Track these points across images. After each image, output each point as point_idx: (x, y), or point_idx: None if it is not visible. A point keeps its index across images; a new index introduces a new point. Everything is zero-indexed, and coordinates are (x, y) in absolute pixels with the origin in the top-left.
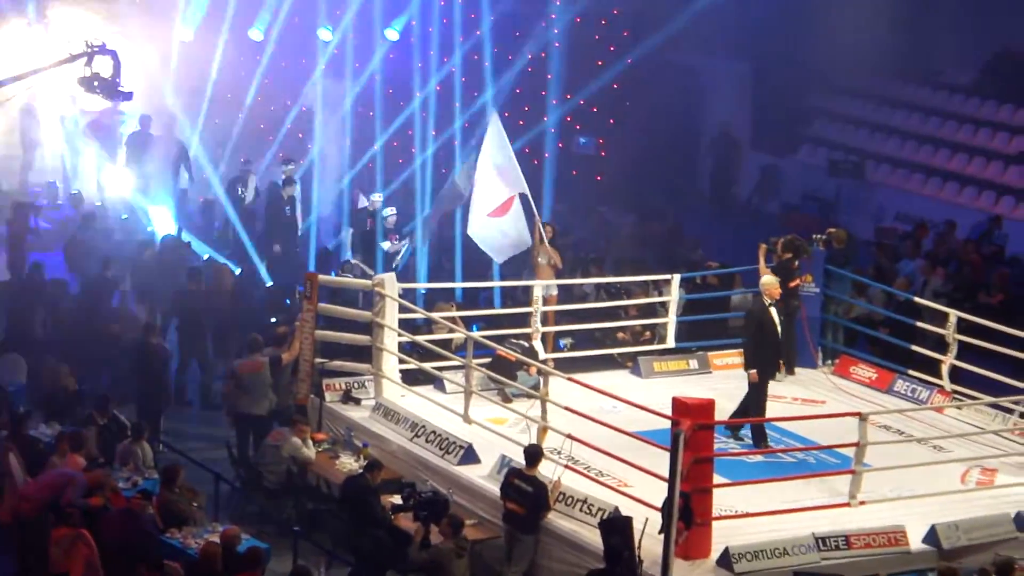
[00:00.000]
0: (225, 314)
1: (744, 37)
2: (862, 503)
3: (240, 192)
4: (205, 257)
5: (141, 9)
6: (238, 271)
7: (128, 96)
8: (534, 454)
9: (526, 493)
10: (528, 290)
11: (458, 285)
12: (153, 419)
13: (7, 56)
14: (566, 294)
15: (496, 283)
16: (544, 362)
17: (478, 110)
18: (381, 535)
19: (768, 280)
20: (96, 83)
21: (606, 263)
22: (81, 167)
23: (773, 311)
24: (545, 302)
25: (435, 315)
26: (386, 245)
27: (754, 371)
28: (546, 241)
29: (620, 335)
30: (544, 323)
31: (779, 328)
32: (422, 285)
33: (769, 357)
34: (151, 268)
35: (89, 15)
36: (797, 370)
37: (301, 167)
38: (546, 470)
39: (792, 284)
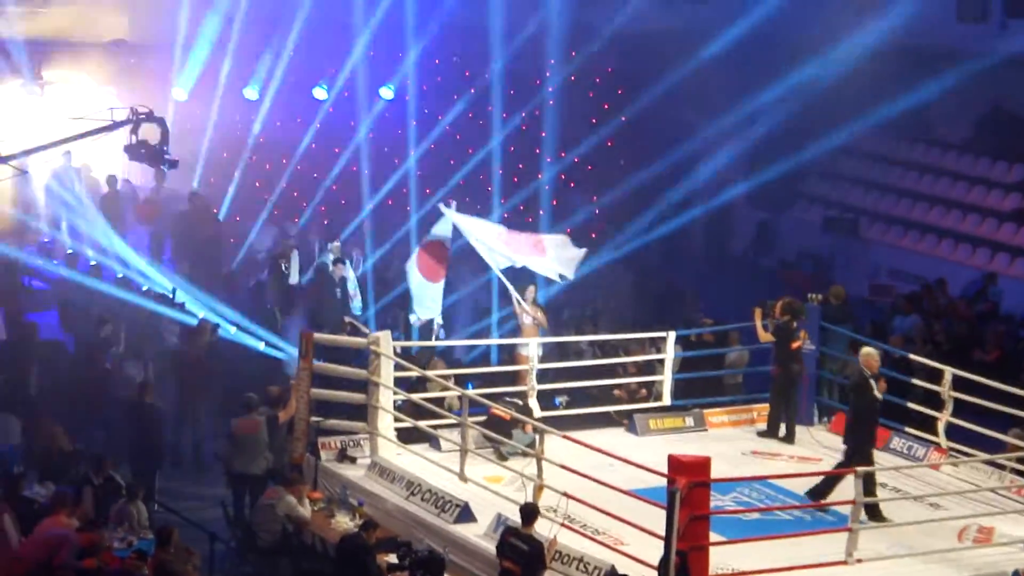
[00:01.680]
0: (206, 373)
1: (738, 95)
2: (859, 561)
3: (284, 268)
4: (200, 315)
5: (136, 70)
6: (233, 329)
7: (174, 164)
8: (530, 512)
9: (522, 551)
10: (512, 351)
11: (454, 343)
12: (148, 479)
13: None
14: (561, 351)
15: (493, 340)
16: (537, 420)
17: (473, 169)
18: None
19: (867, 351)
20: (143, 151)
21: (602, 320)
22: (82, 228)
23: (873, 383)
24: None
25: (430, 373)
26: (413, 318)
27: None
28: (523, 305)
29: (616, 392)
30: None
31: (878, 402)
32: (417, 343)
33: (867, 432)
34: (143, 328)
35: (83, 76)
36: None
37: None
38: (543, 528)
39: (794, 346)
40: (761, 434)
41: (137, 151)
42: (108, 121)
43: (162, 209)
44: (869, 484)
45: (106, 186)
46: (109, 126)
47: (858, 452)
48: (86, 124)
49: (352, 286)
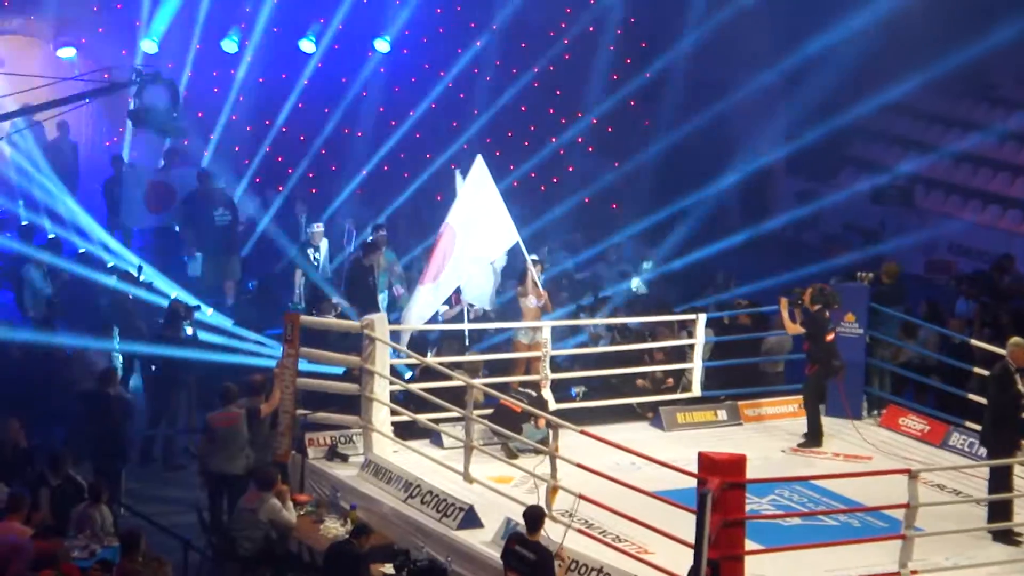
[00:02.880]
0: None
1: (776, 48)
2: (914, 573)
3: (312, 258)
4: (173, 295)
5: (100, 18)
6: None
7: (184, 133)
8: (535, 517)
9: (528, 561)
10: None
11: (459, 327)
12: (113, 479)
13: None
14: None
15: (502, 324)
16: (552, 413)
17: (479, 131)
18: None
19: (1018, 341)
20: (150, 117)
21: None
22: (40, 197)
23: (1018, 378)
24: (531, 349)
25: (430, 361)
26: (443, 309)
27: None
28: (538, 283)
29: (639, 382)
30: (528, 373)
31: (1022, 398)
32: (415, 327)
33: (1009, 433)
34: (107, 309)
35: (41, 26)
36: (838, 423)
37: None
38: (556, 535)
39: (829, 338)
40: (803, 445)
41: (143, 117)
42: (103, 82)
43: (175, 193)
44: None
45: (112, 167)
46: (106, 87)
47: (999, 456)
48: (74, 86)
49: (384, 277)
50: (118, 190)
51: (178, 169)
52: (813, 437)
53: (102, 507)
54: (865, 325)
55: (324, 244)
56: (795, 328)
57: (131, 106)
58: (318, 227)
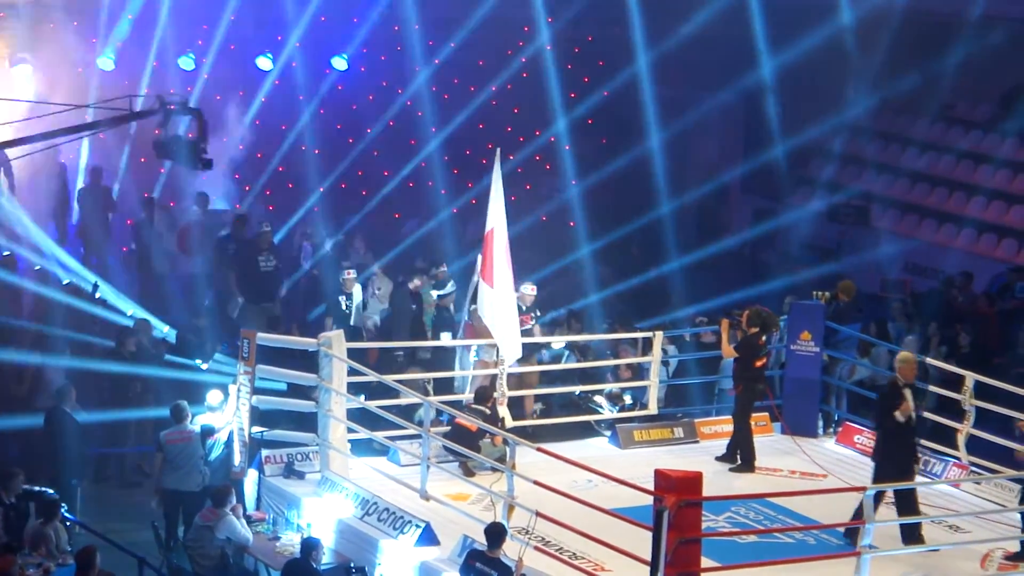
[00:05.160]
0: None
1: (734, 67)
2: None
3: (344, 307)
4: (129, 313)
5: (56, 35)
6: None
7: (210, 164)
8: (497, 533)
9: None
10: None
11: (417, 344)
12: (68, 496)
13: None
14: (534, 353)
15: (459, 341)
16: (509, 430)
17: (436, 148)
18: None
19: (904, 356)
20: (175, 147)
21: (581, 319)
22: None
23: (908, 394)
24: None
25: (388, 379)
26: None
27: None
28: None
29: (596, 399)
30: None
31: (914, 416)
32: (376, 344)
33: (898, 450)
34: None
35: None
36: (794, 440)
37: None
38: (514, 552)
39: (759, 364)
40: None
41: (168, 148)
42: (123, 110)
43: (207, 235)
44: (908, 505)
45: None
46: (126, 116)
47: (883, 477)
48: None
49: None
50: (150, 233)
51: (210, 211)
52: (746, 462)
53: (57, 525)
54: (820, 344)
55: (357, 290)
56: (731, 352)
57: (160, 136)
58: (350, 273)
